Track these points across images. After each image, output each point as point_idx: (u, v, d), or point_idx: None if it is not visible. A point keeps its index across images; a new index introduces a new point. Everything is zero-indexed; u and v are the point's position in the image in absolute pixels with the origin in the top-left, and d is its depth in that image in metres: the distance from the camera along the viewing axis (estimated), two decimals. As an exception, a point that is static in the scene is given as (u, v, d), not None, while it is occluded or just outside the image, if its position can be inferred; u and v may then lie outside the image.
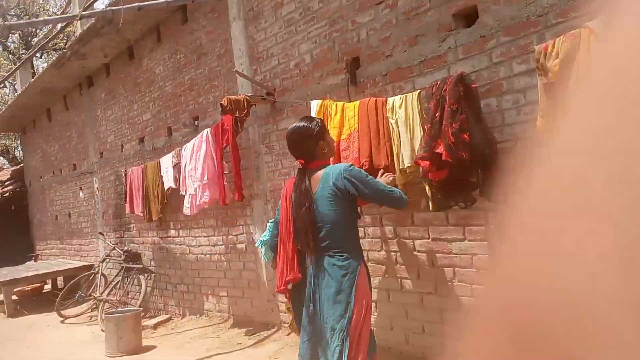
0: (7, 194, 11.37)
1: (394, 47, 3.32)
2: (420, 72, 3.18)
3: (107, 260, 7.03)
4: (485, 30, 2.85)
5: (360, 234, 3.46)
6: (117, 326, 4.60)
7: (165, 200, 5.53)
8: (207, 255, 5.29)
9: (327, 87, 3.79)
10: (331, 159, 2.63)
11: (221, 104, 3.97)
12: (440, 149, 2.57)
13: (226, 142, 4.41)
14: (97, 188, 7.65)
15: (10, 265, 9.14)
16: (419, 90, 2.99)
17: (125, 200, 6.19)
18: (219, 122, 4.47)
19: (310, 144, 2.44)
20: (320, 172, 2.39)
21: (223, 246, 5.05)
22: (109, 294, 6.47)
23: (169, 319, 5.81)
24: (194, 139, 4.80)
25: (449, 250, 3.10)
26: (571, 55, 2.18)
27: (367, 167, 2.93)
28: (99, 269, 6.99)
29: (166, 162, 5.32)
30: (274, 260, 2.72)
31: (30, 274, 7.93)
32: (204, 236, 5.32)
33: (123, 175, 6.41)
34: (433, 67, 3.11)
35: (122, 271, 6.38)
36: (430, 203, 2.86)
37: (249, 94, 4.23)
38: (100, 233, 7.35)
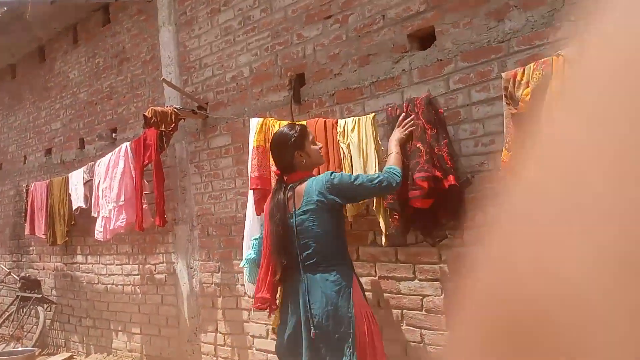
0: None
1: (343, 66, 3.05)
2: (371, 94, 2.93)
3: (1, 287, 6.12)
4: (443, 54, 2.66)
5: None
6: (3, 371, 3.88)
7: (73, 222, 4.84)
8: (119, 286, 4.68)
9: (268, 104, 3.44)
10: (315, 169, 2.44)
11: (144, 116, 3.49)
12: (437, 173, 2.28)
13: (148, 159, 3.93)
14: (-8, 203, 6.70)
15: None
16: (373, 113, 2.72)
17: (25, 220, 5.39)
18: (141, 135, 3.98)
19: (287, 154, 2.28)
20: (304, 185, 2.22)
21: (138, 276, 4.47)
22: (0, 326, 5.60)
23: (71, 357, 5.08)
24: (110, 154, 4.25)
25: (397, 290, 2.82)
26: (543, 85, 2.01)
27: None
28: (-12, 298, 6.06)
29: (76, 178, 4.68)
30: None
31: None
32: (117, 264, 4.70)
33: (24, 191, 5.60)
34: (385, 90, 2.87)
35: (17, 301, 5.55)
36: (382, 237, 2.56)
37: (178, 107, 3.78)
38: (-7, 256, 6.41)
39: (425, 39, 2.76)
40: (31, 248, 5.93)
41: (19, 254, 6.17)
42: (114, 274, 4.75)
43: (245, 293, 3.59)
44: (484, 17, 2.50)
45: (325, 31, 3.14)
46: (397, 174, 2.21)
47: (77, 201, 4.62)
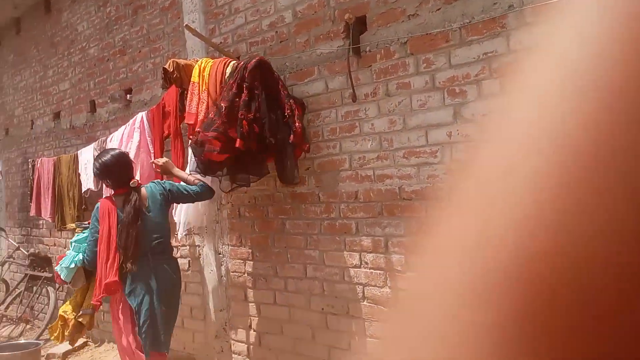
0: None
1: (421, 4, 2.34)
2: (460, 40, 2.23)
3: (9, 262, 5.65)
4: (571, -18, 1.93)
5: (356, 262, 2.55)
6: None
7: (84, 206, 4.23)
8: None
9: (316, 57, 2.76)
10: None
11: (164, 69, 2.83)
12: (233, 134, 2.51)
13: (168, 129, 3.30)
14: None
15: None
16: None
17: (31, 199, 4.80)
18: (160, 102, 3.34)
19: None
20: (143, 189, 2.81)
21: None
22: (7, 307, 5.14)
23: (84, 344, 4.59)
24: (123, 127, 3.61)
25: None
26: None
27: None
28: (-3, 274, 5.60)
29: (86, 155, 4.04)
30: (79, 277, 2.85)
31: None
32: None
33: (30, 166, 4.99)
34: (482, 34, 2.16)
35: (26, 279, 5.07)
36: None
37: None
38: (1, 229, 5.91)
39: (543, -37, 2.03)
40: (41, 222, 5.40)
41: (28, 227, 5.66)
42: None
43: (284, 287, 3.00)
44: None
45: (396, -41, 2.42)
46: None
47: (87, 182, 4.01)
